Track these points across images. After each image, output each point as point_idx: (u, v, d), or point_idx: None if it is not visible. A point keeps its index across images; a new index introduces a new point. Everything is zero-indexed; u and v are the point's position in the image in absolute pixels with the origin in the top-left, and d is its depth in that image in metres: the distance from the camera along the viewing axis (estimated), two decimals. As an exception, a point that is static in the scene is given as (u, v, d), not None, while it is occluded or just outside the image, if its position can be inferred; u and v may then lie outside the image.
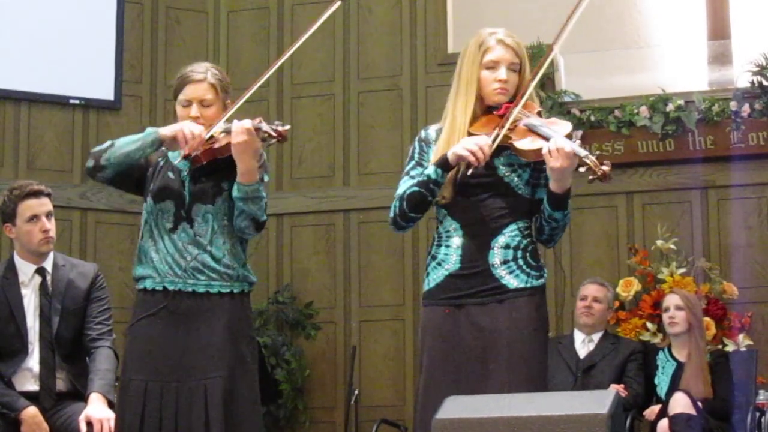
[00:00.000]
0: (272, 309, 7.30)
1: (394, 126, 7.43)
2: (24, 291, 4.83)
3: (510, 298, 3.79)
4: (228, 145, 3.96)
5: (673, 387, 5.90)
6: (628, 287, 6.70)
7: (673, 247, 6.72)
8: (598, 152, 6.77)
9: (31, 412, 4.64)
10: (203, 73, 4.10)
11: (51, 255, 4.90)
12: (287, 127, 3.94)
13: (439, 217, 3.95)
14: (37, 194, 4.82)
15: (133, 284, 4.15)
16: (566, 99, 7.03)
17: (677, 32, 7.28)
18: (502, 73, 3.86)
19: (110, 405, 4.58)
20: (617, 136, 6.91)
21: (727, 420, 5.87)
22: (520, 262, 3.83)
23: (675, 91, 6.90)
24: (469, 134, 3.82)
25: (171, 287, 4.01)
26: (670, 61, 7.21)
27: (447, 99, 3.94)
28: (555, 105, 6.93)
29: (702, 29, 7.19)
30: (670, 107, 6.81)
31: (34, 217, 4.79)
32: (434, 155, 3.87)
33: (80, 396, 4.74)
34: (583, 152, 3.69)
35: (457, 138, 3.80)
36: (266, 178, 4.08)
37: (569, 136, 3.76)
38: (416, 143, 3.97)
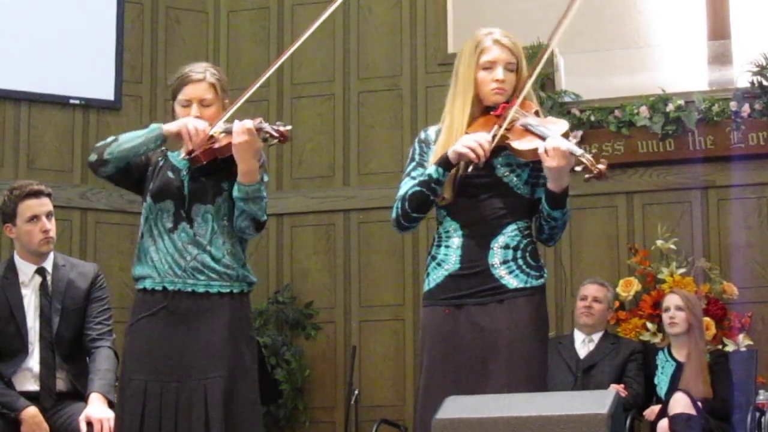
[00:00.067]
0: (272, 309, 7.30)
1: (394, 126, 7.43)
2: (24, 291, 4.83)
3: (510, 298, 3.79)
4: (228, 145, 3.96)
5: (673, 387, 5.90)
6: (628, 287, 6.70)
7: (673, 247, 6.72)
8: (597, 152, 6.78)
9: (31, 412, 4.64)
10: (202, 72, 4.11)
11: (51, 255, 4.90)
12: (289, 127, 3.94)
13: (438, 217, 3.95)
14: (37, 194, 4.82)
15: (133, 284, 4.15)
16: (566, 99, 7.03)
17: (677, 32, 7.27)
18: (498, 73, 3.87)
19: (110, 405, 4.58)
20: (617, 136, 6.91)
21: (727, 420, 5.87)
22: (520, 262, 3.83)
23: (675, 91, 6.90)
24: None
25: (171, 287, 4.01)
26: (670, 61, 7.21)
27: (446, 100, 3.95)
28: (555, 105, 6.93)
29: (702, 29, 7.19)
30: (670, 107, 6.81)
31: (34, 217, 4.79)
32: (433, 156, 3.87)
33: (80, 396, 4.74)
34: (578, 151, 3.70)
35: (455, 139, 3.80)
36: (266, 178, 4.08)
37: (566, 135, 3.77)
38: (416, 144, 3.98)
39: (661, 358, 6.10)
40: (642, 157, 6.90)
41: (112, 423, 4.43)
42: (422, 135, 3.99)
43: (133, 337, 4.05)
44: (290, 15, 7.64)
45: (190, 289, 4.01)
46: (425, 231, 6.77)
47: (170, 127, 4.03)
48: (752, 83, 6.72)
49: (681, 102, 6.81)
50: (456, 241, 3.86)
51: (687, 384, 5.82)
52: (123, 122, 7.30)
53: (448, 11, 7.46)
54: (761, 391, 5.98)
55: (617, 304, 6.65)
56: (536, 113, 3.90)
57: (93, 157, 4.06)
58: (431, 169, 3.82)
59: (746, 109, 6.69)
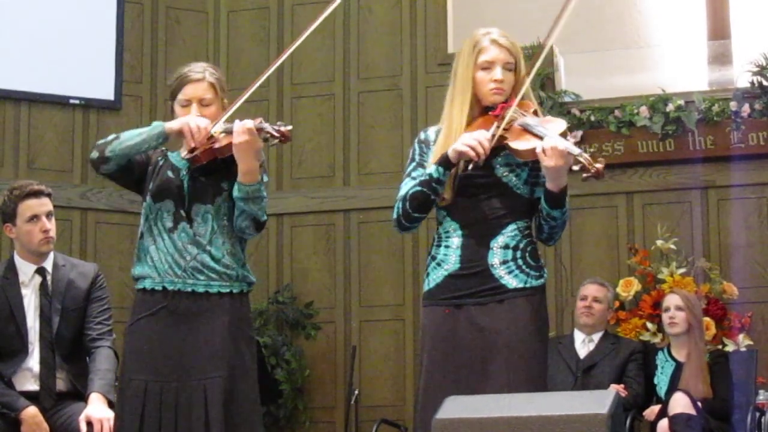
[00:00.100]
0: (272, 309, 7.30)
1: (394, 126, 7.43)
2: (24, 291, 4.83)
3: (510, 298, 3.79)
4: (228, 145, 3.96)
5: (673, 387, 5.90)
6: (628, 287, 6.70)
7: (673, 247, 6.72)
8: (597, 152, 6.78)
9: (31, 412, 4.64)
10: (201, 72, 4.11)
11: (51, 255, 4.90)
12: (290, 127, 3.94)
13: (438, 217, 3.95)
14: (37, 194, 4.82)
15: (133, 284, 4.15)
16: (566, 99, 7.03)
17: (677, 32, 7.28)
18: (497, 73, 3.87)
19: (110, 405, 4.58)
20: (617, 136, 6.91)
21: (727, 420, 5.87)
22: (520, 262, 3.83)
23: (675, 91, 6.90)
24: None
25: (170, 287, 4.01)
26: (670, 61, 7.21)
27: (445, 100, 3.95)
28: (555, 105, 6.94)
29: (702, 29, 7.19)
30: (670, 107, 6.81)
31: (34, 217, 4.79)
32: (433, 157, 3.87)
33: (80, 396, 4.73)
34: (576, 150, 3.70)
35: (454, 139, 3.80)
36: (265, 179, 4.08)
37: (564, 135, 3.77)
38: (416, 145, 3.98)
39: (660, 358, 6.10)
40: (642, 157, 6.90)
41: (112, 423, 4.43)
42: (422, 135, 4.00)
43: (133, 337, 4.05)
44: (290, 15, 7.64)
45: (189, 289, 4.01)
46: (425, 231, 6.77)
47: (172, 124, 4.03)
48: (752, 83, 6.72)
49: (681, 102, 6.81)
50: (456, 241, 3.86)
51: (687, 384, 5.82)
52: (123, 122, 7.29)
53: (448, 11, 7.46)
54: (761, 391, 5.98)
55: (617, 304, 6.65)
56: (535, 113, 3.89)
57: (95, 154, 4.06)
58: (432, 168, 3.82)
59: (746, 109, 6.70)
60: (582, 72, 7.20)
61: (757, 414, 5.87)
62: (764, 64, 6.70)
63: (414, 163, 3.94)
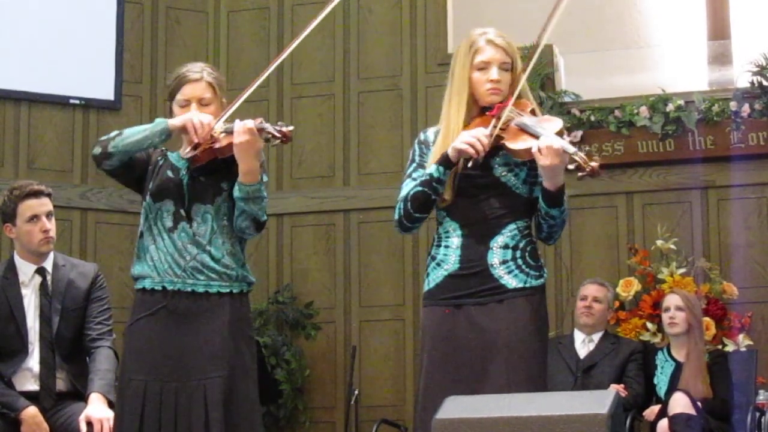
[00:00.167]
0: (272, 309, 7.30)
1: (394, 126, 7.43)
2: (24, 291, 4.83)
3: (509, 298, 3.79)
4: (229, 145, 3.95)
5: (672, 387, 5.90)
6: (628, 287, 6.70)
7: (673, 247, 6.72)
8: (597, 152, 6.78)
9: (31, 412, 4.64)
10: (199, 72, 4.11)
11: (51, 255, 4.90)
12: (291, 127, 3.94)
13: (438, 218, 3.95)
14: (37, 194, 4.82)
15: (133, 284, 4.14)
16: (566, 99, 7.04)
17: (677, 32, 7.28)
18: (493, 73, 3.87)
19: (110, 405, 4.58)
20: (617, 136, 6.91)
21: (727, 420, 5.87)
22: (519, 261, 3.83)
23: (675, 91, 6.90)
24: None
25: (170, 287, 4.01)
26: (670, 61, 7.22)
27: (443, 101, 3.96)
28: (555, 105, 6.94)
29: (702, 29, 7.20)
30: (670, 107, 6.81)
31: (34, 217, 4.79)
32: (432, 158, 3.87)
33: (80, 396, 4.73)
34: (572, 149, 3.70)
35: (452, 140, 3.81)
36: (265, 179, 4.07)
37: (560, 133, 3.77)
38: (416, 146, 3.98)
39: (660, 358, 6.10)
40: (642, 157, 6.90)
41: (111, 423, 4.43)
42: (421, 136, 4.00)
43: (133, 337, 4.05)
44: (290, 15, 7.64)
45: (189, 289, 4.00)
46: (425, 231, 6.77)
47: (175, 121, 4.03)
48: (752, 83, 6.72)
49: (681, 102, 6.81)
50: (455, 241, 3.86)
51: (686, 384, 5.82)
52: (123, 122, 7.28)
53: (448, 11, 7.47)
54: (761, 391, 5.98)
55: (617, 304, 6.65)
56: (532, 112, 3.90)
57: (97, 150, 4.05)
58: (432, 168, 3.83)
59: (746, 109, 6.70)
60: (582, 72, 7.21)
61: (757, 414, 5.87)
62: (764, 64, 6.70)
63: (414, 164, 3.94)
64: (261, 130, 3.90)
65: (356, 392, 6.66)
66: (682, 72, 7.10)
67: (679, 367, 5.99)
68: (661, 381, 6.04)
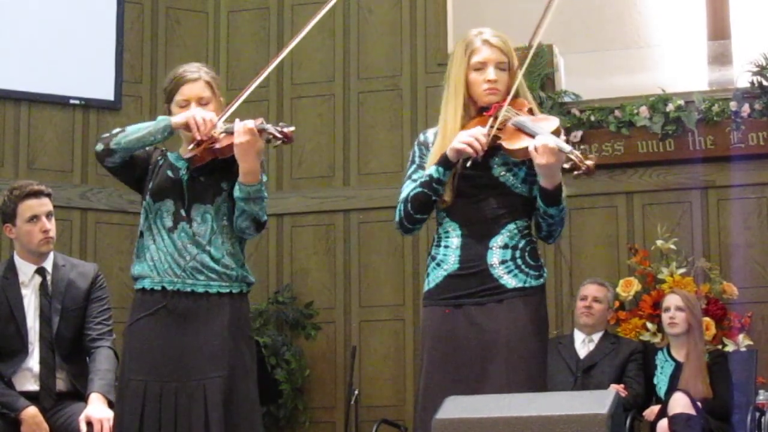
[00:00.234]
0: (272, 309, 7.30)
1: (394, 126, 7.43)
2: (24, 291, 4.83)
3: (509, 298, 3.79)
4: (229, 145, 3.95)
5: (672, 387, 5.90)
6: (628, 287, 6.70)
7: (673, 247, 6.72)
8: (597, 152, 6.78)
9: (31, 412, 4.64)
10: (196, 72, 4.11)
11: (51, 255, 4.90)
12: (292, 128, 3.93)
13: (438, 218, 3.95)
14: (37, 194, 4.82)
15: (133, 284, 4.14)
16: (566, 99, 7.04)
17: (677, 32, 7.28)
18: (490, 73, 3.87)
19: (110, 405, 4.57)
20: (617, 136, 6.91)
21: (726, 420, 5.87)
22: (519, 261, 3.83)
23: (675, 91, 6.90)
24: None
25: (170, 287, 4.01)
26: (670, 61, 7.22)
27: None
28: (555, 105, 6.93)
29: (702, 29, 7.20)
30: (670, 107, 6.81)
31: (34, 217, 4.79)
32: (430, 160, 3.87)
33: (80, 396, 4.74)
34: (567, 148, 3.71)
35: (449, 141, 3.81)
36: (265, 178, 4.07)
37: (556, 132, 3.77)
38: (415, 147, 3.99)
39: (660, 358, 6.10)
40: (642, 157, 6.90)
41: (111, 423, 4.43)
42: (421, 137, 4.00)
43: (132, 337, 4.05)
44: (290, 15, 7.64)
45: (189, 289, 4.00)
46: (425, 231, 6.76)
47: (178, 118, 4.02)
48: (752, 83, 6.72)
49: (681, 102, 6.81)
50: (455, 241, 3.86)
51: (686, 384, 5.82)
52: (123, 122, 7.19)
53: (448, 11, 7.47)
54: (761, 391, 5.98)
55: (617, 304, 6.65)
56: (530, 111, 3.90)
57: (99, 146, 4.05)
58: (431, 169, 3.83)
59: (746, 109, 6.70)
60: (582, 72, 7.21)
61: (757, 414, 5.87)
62: (764, 64, 6.70)
63: (414, 166, 3.94)
64: (262, 131, 3.90)
65: (356, 392, 6.66)
66: (682, 72, 7.11)
67: (679, 367, 5.99)
68: (661, 381, 6.04)
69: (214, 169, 4.04)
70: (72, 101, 7.34)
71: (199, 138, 3.98)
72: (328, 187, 7.50)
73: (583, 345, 6.29)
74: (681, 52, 7.21)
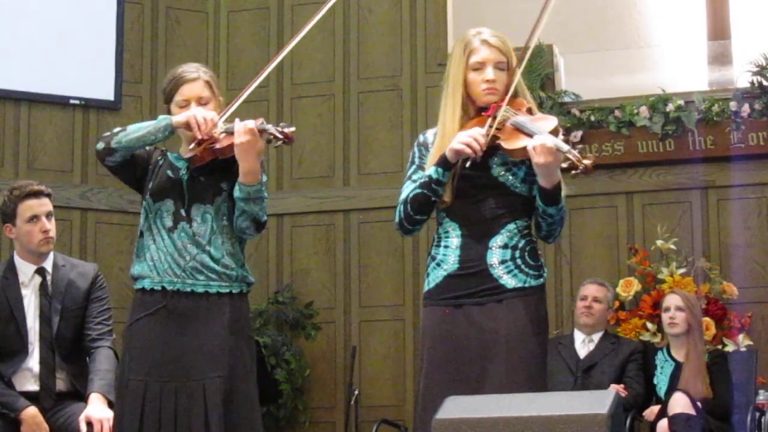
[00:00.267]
0: (272, 309, 7.30)
1: (394, 126, 7.43)
2: (24, 291, 4.83)
3: (508, 298, 3.79)
4: (229, 145, 3.95)
5: (672, 387, 5.91)
6: (628, 287, 6.70)
7: (673, 247, 6.72)
8: (598, 152, 6.78)
9: (31, 412, 4.64)
10: (195, 72, 4.12)
11: (51, 255, 4.90)
12: (293, 128, 3.93)
13: (438, 218, 3.95)
14: (37, 194, 4.82)
15: (133, 284, 4.14)
16: (566, 99, 7.04)
17: (677, 32, 7.28)
18: (489, 73, 3.87)
19: (110, 405, 4.57)
20: (617, 136, 6.92)
21: (726, 420, 5.87)
22: (519, 261, 3.83)
23: (675, 91, 6.90)
24: None
25: (170, 287, 4.01)
26: (670, 61, 7.22)
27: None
28: (555, 105, 6.94)
29: (702, 29, 7.20)
30: (670, 107, 6.81)
31: (34, 218, 4.79)
32: (430, 160, 3.87)
33: (80, 396, 4.74)
34: (565, 147, 3.70)
35: (448, 141, 3.81)
36: (265, 178, 4.08)
37: (554, 132, 3.77)
38: (415, 148, 3.99)
39: (660, 358, 6.10)
40: (642, 157, 6.90)
41: (111, 423, 4.43)
42: (421, 138, 4.00)
43: (132, 337, 4.05)
44: (290, 15, 7.64)
45: (189, 289, 4.00)
46: (425, 231, 6.72)
47: (179, 117, 4.02)
48: (752, 83, 6.72)
49: (681, 102, 6.82)
50: (455, 241, 3.86)
51: (686, 384, 5.82)
52: (123, 122, 7.16)
53: (448, 11, 7.47)
54: (761, 391, 5.98)
55: (617, 304, 6.65)
56: (529, 110, 3.89)
57: (100, 145, 4.05)
58: (431, 170, 3.83)
59: (746, 109, 6.70)
60: (582, 72, 7.21)
61: (757, 414, 5.87)
62: (764, 64, 6.70)
63: (414, 166, 3.94)
64: (263, 131, 3.90)
65: (356, 392, 6.66)
66: (682, 72, 7.11)
67: (678, 367, 5.99)
68: (661, 381, 6.04)
69: (214, 169, 4.04)
70: (72, 101, 7.34)
71: (200, 137, 3.98)
72: (328, 187, 7.50)
73: (583, 345, 6.29)
74: (681, 52, 7.21)
